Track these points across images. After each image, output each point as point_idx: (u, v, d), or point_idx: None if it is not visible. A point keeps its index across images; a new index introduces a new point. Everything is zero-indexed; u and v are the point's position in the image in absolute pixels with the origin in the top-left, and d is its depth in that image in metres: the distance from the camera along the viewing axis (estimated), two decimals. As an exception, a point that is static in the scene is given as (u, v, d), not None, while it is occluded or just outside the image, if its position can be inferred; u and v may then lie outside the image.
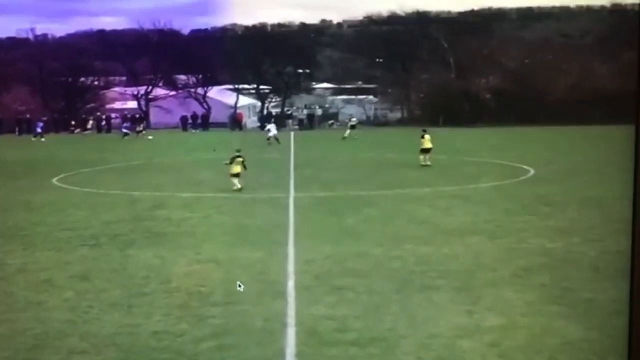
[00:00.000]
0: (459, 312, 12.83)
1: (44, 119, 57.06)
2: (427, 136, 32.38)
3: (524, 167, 30.70)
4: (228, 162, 26.06)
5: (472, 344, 11.32)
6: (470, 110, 60.49)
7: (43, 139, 50.95)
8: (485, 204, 23.24)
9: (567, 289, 14.15)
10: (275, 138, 43.01)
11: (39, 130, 52.82)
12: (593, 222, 20.40)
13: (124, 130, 53.34)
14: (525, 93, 60.31)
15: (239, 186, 25.75)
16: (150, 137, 49.44)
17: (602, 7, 72.52)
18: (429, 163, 31.73)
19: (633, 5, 73.43)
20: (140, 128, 53.58)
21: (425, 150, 32.10)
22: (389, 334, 11.79)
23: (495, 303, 13.30)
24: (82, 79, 66.80)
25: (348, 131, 49.00)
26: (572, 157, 35.76)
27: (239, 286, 14.24)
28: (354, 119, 52.74)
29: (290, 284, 14.56)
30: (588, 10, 74.31)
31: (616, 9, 73.94)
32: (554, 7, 78.03)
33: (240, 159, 26.20)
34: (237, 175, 25.98)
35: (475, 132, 43.07)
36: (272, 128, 44.93)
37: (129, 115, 62.65)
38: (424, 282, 14.69)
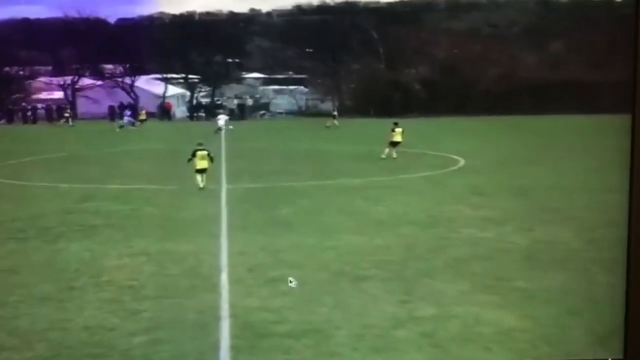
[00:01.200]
0: (392, 302, 13.02)
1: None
2: (397, 129, 32.38)
3: (454, 157, 31.13)
4: (190, 157, 24.83)
5: (406, 333, 11.51)
6: (400, 100, 60.92)
7: None
8: (416, 194, 23.51)
9: (499, 279, 14.47)
10: (220, 129, 42.61)
11: None
12: (524, 212, 20.77)
13: (128, 120, 50.63)
14: (454, 83, 60.97)
15: (202, 185, 24.56)
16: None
17: (529, -3, 73.86)
18: (395, 156, 31.67)
19: (558, -5, 75.17)
20: (143, 117, 50.52)
21: (395, 144, 32.01)
22: (324, 325, 11.91)
23: (429, 293, 13.52)
24: (7, 68, 65.22)
25: (334, 121, 49.11)
26: (501, 147, 36.31)
27: (290, 282, 14.15)
28: (334, 112, 52.95)
29: (224, 276, 14.55)
30: (515, 0, 75.67)
31: (542, 0, 75.40)
32: (481, -3, 79.49)
33: (204, 152, 25.04)
34: (203, 171, 24.74)
35: (406, 122, 43.36)
36: (221, 118, 44.41)
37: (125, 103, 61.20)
38: (358, 273, 14.84)
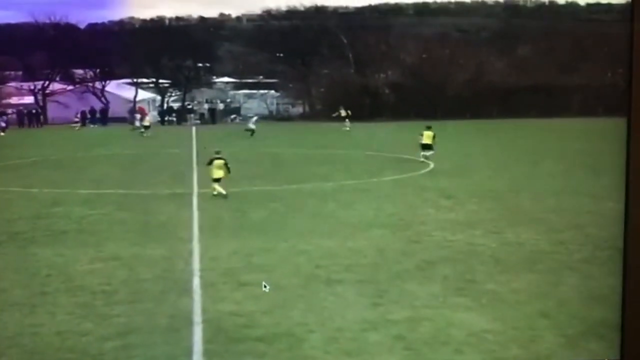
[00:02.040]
0: (365, 305, 13.10)
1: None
2: (427, 132, 32.06)
3: (424, 160, 31.41)
4: (208, 163, 24.35)
5: (378, 336, 11.59)
6: (370, 105, 61.48)
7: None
8: (387, 198, 23.63)
9: (469, 281, 14.62)
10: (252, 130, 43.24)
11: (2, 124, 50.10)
12: (492, 215, 21.03)
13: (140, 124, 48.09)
14: (423, 88, 61.77)
15: (222, 191, 23.87)
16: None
17: (496, 3, 75.23)
18: (423, 158, 31.35)
19: (525, 1, 76.63)
20: (146, 123, 47.83)
21: (424, 146, 31.52)
22: (297, 328, 11.95)
23: (400, 296, 13.61)
24: None
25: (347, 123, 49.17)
26: (469, 151, 36.71)
27: (265, 286, 14.07)
28: (343, 111, 52.15)
29: (196, 281, 14.55)
30: (483, 5, 76.91)
31: (509, 5, 77.03)
32: (450, 2, 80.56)
33: (220, 161, 24.18)
34: (218, 180, 23.98)
35: (375, 126, 43.78)
36: (253, 119, 44.68)
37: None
38: (330, 276, 14.90)
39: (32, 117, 60.63)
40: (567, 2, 74.33)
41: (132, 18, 76.24)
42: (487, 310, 12.85)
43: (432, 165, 30.37)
